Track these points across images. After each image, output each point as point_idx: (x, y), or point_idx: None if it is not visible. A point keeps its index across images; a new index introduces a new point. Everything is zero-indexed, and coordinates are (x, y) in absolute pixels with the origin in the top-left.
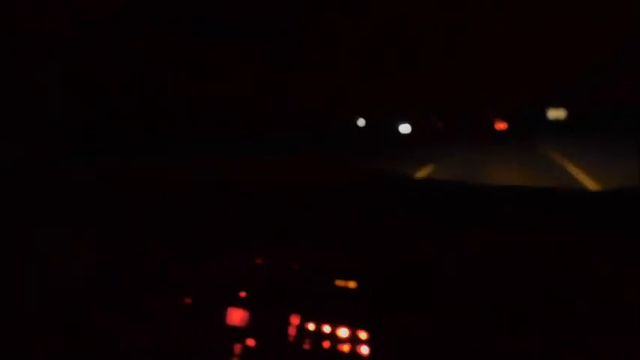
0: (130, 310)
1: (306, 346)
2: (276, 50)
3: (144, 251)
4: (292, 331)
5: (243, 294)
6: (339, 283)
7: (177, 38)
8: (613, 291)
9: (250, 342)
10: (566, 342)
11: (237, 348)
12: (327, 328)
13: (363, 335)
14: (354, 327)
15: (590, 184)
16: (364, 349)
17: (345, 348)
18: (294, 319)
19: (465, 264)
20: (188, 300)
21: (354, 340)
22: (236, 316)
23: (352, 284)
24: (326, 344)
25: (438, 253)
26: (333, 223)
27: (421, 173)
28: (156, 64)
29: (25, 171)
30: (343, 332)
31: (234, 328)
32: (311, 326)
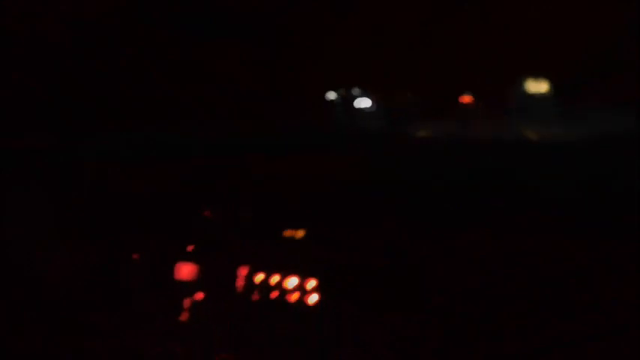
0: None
1: (255, 297)
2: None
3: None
4: (240, 283)
5: (190, 248)
6: (287, 233)
7: (168, 38)
8: (607, 291)
9: (199, 295)
10: (558, 343)
11: (187, 302)
12: (275, 279)
13: (311, 284)
14: (302, 276)
15: None
16: (312, 298)
17: (294, 297)
18: (243, 271)
19: (455, 264)
20: (135, 255)
21: (302, 290)
22: (184, 271)
23: (300, 234)
24: (274, 294)
25: (426, 253)
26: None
27: None
28: (146, 64)
29: (23, 171)
30: (292, 282)
31: (183, 283)
32: (259, 277)
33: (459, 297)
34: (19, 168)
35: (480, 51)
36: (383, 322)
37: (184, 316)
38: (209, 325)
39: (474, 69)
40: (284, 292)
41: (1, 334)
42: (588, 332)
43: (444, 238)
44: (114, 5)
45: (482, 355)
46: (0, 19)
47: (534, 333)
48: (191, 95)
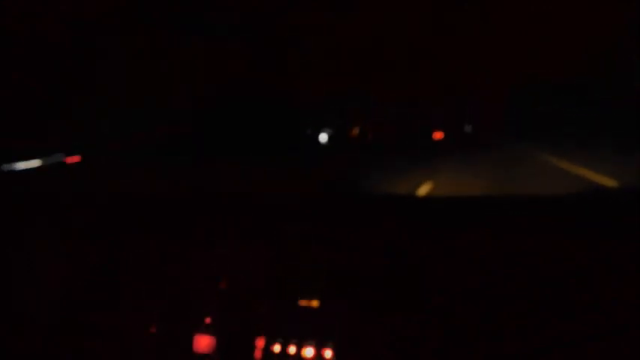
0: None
1: None
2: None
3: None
4: (258, 354)
5: (208, 320)
6: (303, 302)
7: (168, 38)
8: (607, 290)
9: None
10: (558, 342)
11: None
12: (292, 349)
13: (328, 354)
14: (319, 346)
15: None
16: None
17: None
18: (260, 342)
19: (455, 264)
20: (153, 329)
21: (319, 359)
22: (202, 343)
23: (315, 303)
24: None
25: (426, 253)
26: (295, 241)
27: None
28: (146, 64)
29: (23, 171)
30: (308, 352)
31: (201, 356)
32: (276, 348)
33: (459, 297)
34: (18, 168)
35: (479, 51)
36: (383, 322)
37: None
38: None
39: (474, 69)
40: None
41: (1, 334)
42: (588, 332)
43: (444, 238)
44: (114, 5)
45: (482, 355)
46: (0, 19)
47: (534, 333)
48: (191, 95)
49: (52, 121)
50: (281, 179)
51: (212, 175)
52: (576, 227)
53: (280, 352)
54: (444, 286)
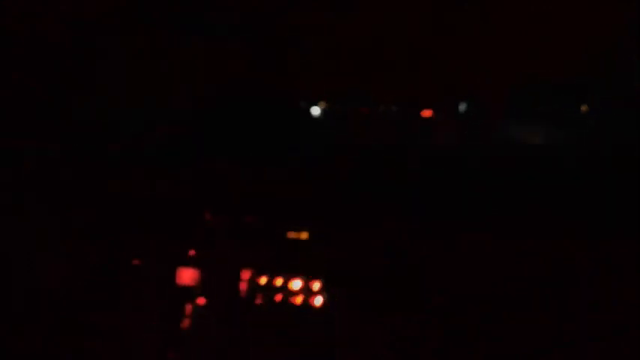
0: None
1: (258, 301)
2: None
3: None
4: (243, 286)
5: (192, 252)
6: (291, 235)
7: (168, 38)
8: (607, 290)
9: (201, 300)
10: (558, 342)
11: (189, 307)
12: (279, 281)
13: (316, 286)
14: (307, 278)
15: None
16: (317, 300)
17: (298, 300)
18: (245, 274)
19: (455, 264)
20: (136, 261)
21: (307, 292)
22: (186, 275)
23: (304, 235)
24: (278, 297)
25: (426, 253)
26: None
27: None
28: (146, 64)
29: (23, 171)
30: (296, 284)
31: (185, 288)
32: (263, 280)
33: (459, 297)
34: (19, 168)
35: (479, 51)
36: (383, 322)
37: (187, 322)
38: (211, 329)
39: (474, 69)
40: (289, 294)
41: (1, 334)
42: (588, 332)
43: (444, 238)
44: (114, 5)
45: (482, 355)
46: (0, 19)
47: (534, 333)
48: (191, 95)
49: (52, 121)
50: (281, 179)
51: (212, 175)
52: (576, 227)
53: (267, 283)
54: (444, 286)
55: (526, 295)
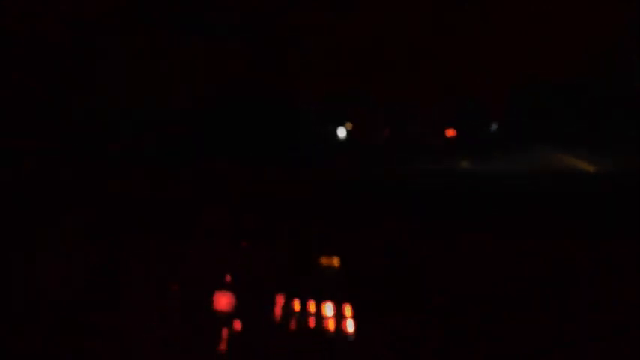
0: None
1: (293, 326)
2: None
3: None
4: (278, 310)
5: (228, 278)
6: (323, 260)
7: (168, 38)
8: (607, 290)
9: (237, 325)
10: (558, 342)
11: (225, 332)
12: (312, 306)
13: (347, 311)
14: (338, 302)
15: None
16: (349, 325)
17: (331, 325)
18: (280, 299)
19: (455, 264)
20: (175, 287)
21: (339, 316)
22: (223, 301)
23: (335, 261)
24: (312, 322)
25: (426, 253)
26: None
27: None
28: (146, 64)
29: (23, 171)
30: (328, 308)
31: (221, 313)
32: (296, 305)
33: (459, 297)
34: (19, 168)
35: (479, 51)
36: (383, 322)
37: (223, 345)
38: (248, 353)
39: (474, 69)
40: (321, 318)
41: (1, 334)
42: (588, 332)
43: (444, 239)
44: (114, 5)
45: (483, 355)
46: (0, 19)
47: (534, 333)
48: (191, 95)
49: (52, 121)
50: (280, 179)
51: (212, 175)
52: (576, 227)
53: (300, 309)
54: (444, 286)
55: (526, 295)
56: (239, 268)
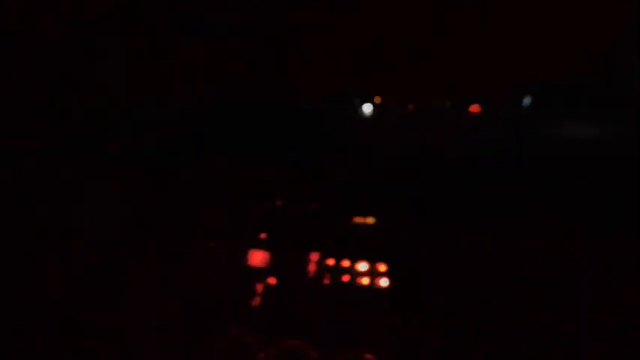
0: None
1: (326, 281)
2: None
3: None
4: (312, 267)
5: (263, 235)
6: (357, 219)
7: (168, 38)
8: (607, 290)
9: (271, 280)
10: (558, 342)
11: (259, 287)
12: (346, 263)
13: (382, 268)
14: (373, 261)
15: None
16: (383, 282)
17: (365, 281)
18: (314, 256)
19: (455, 264)
20: (212, 244)
21: (373, 273)
22: (257, 258)
23: (370, 220)
24: (345, 278)
25: (426, 253)
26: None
27: None
28: (146, 64)
29: (24, 171)
30: (362, 266)
31: (256, 269)
32: (330, 262)
33: (459, 297)
34: (19, 168)
35: (479, 51)
36: (383, 322)
37: (257, 300)
38: (281, 307)
39: (474, 69)
40: (355, 274)
41: (1, 334)
42: (588, 332)
43: (444, 238)
44: (114, 5)
45: (482, 355)
46: (0, 19)
47: (534, 333)
48: (191, 95)
49: (52, 121)
50: (281, 179)
51: (212, 175)
52: (576, 227)
53: (334, 265)
54: (444, 286)
55: (526, 295)
56: (273, 227)
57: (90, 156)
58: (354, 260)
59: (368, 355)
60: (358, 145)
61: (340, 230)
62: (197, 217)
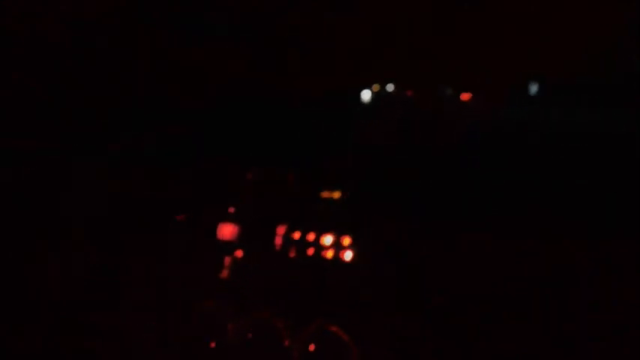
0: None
1: (292, 254)
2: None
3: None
4: (278, 240)
5: (232, 210)
6: (324, 194)
7: (168, 38)
8: (607, 290)
9: (239, 253)
10: (558, 342)
11: (227, 260)
12: (311, 237)
13: (346, 241)
14: (337, 234)
15: None
16: (347, 255)
17: (329, 254)
18: (280, 230)
19: (455, 264)
20: (181, 217)
21: (337, 247)
22: (226, 231)
23: (336, 194)
24: (310, 251)
25: (426, 253)
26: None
27: None
28: (146, 64)
29: (23, 171)
30: (327, 239)
31: (224, 242)
32: (296, 235)
33: (459, 297)
34: (19, 168)
35: (479, 51)
36: (383, 322)
37: (225, 273)
38: (248, 280)
39: (474, 69)
40: (320, 248)
41: (1, 334)
42: (588, 332)
43: (444, 238)
44: (114, 5)
45: (483, 355)
46: (0, 19)
47: (534, 333)
48: (191, 95)
49: (52, 121)
50: (281, 179)
51: (212, 175)
52: (576, 227)
53: (300, 238)
54: (444, 286)
55: (526, 295)
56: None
57: (90, 156)
58: (319, 233)
59: (332, 326)
60: (358, 145)
61: (307, 204)
62: (197, 217)
